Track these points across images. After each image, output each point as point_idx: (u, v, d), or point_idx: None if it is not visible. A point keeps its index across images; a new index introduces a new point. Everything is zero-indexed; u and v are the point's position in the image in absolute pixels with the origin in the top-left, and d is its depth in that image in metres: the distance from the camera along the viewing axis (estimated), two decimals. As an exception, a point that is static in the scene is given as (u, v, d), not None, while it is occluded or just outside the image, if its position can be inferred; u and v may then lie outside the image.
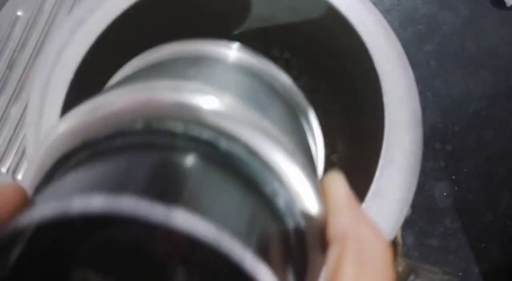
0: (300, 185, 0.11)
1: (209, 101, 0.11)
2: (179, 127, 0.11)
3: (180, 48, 0.17)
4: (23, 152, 0.41)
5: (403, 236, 0.46)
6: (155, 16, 0.28)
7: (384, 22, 0.23)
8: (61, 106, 0.24)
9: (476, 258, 0.45)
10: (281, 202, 0.11)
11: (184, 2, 0.28)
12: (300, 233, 0.11)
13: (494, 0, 0.47)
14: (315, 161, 0.15)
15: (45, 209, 0.08)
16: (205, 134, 0.11)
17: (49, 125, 0.24)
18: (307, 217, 0.11)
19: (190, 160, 0.11)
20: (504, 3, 0.46)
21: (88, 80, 0.27)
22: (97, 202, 0.08)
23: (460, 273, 0.45)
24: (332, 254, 0.10)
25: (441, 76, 0.47)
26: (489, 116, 0.46)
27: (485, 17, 0.47)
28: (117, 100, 0.11)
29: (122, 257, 0.12)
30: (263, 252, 0.09)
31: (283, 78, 0.16)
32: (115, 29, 0.25)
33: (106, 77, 0.17)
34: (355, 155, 0.35)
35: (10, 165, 0.43)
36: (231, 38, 0.39)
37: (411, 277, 0.25)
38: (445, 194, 0.46)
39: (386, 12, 0.48)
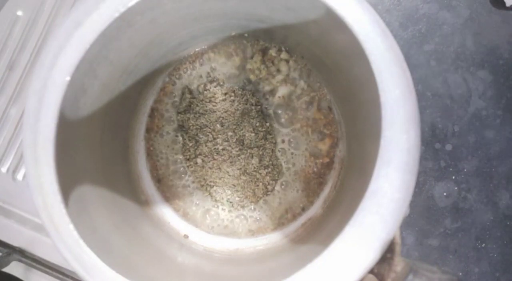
0: None
1: None
2: None
3: None
4: (23, 152, 0.41)
5: (403, 236, 0.46)
6: (151, 18, 0.28)
7: (380, 22, 0.23)
8: (58, 109, 0.24)
9: (476, 258, 0.45)
10: None
11: (181, 3, 0.28)
12: None
13: (494, 0, 0.47)
14: None
15: None
16: None
17: (46, 128, 0.24)
18: None
19: None
20: (504, 3, 0.46)
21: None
22: None
23: (460, 273, 0.45)
24: None
25: (441, 76, 0.47)
26: (489, 116, 0.46)
27: (485, 17, 0.47)
28: None
29: None
30: None
31: None
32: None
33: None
34: (353, 155, 0.35)
35: (10, 165, 0.43)
36: (228, 39, 0.39)
37: (410, 277, 0.25)
38: (445, 194, 0.46)
39: (386, 12, 0.48)
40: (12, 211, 0.43)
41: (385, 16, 0.48)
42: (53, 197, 0.24)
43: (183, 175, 0.40)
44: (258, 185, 0.39)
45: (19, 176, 0.43)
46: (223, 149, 0.39)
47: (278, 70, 0.39)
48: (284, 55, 0.39)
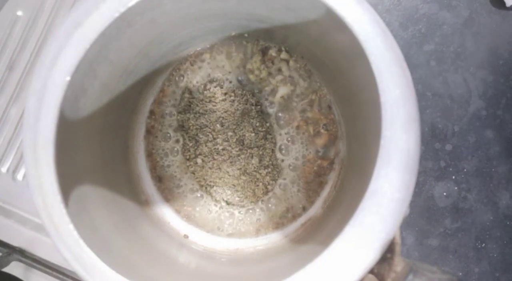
0: None
1: None
2: None
3: None
4: (23, 152, 0.41)
5: (403, 236, 0.46)
6: (151, 18, 0.28)
7: (380, 22, 0.23)
8: (58, 109, 0.24)
9: (476, 258, 0.45)
10: None
11: (181, 2, 0.28)
12: None
13: (494, 0, 0.47)
14: None
15: None
16: None
17: (46, 128, 0.24)
18: None
19: None
20: (504, 3, 0.46)
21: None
22: None
23: (460, 273, 0.45)
24: None
25: (441, 76, 0.47)
26: (489, 116, 0.46)
27: (485, 17, 0.47)
28: None
29: None
30: None
31: None
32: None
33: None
34: (353, 155, 0.35)
35: (10, 165, 0.43)
36: (228, 39, 0.39)
37: (410, 277, 0.25)
38: (445, 194, 0.46)
39: (386, 12, 0.48)
40: (12, 211, 0.43)
41: (385, 16, 0.48)
42: (53, 197, 0.24)
43: (183, 175, 0.40)
44: (258, 185, 0.39)
45: (19, 176, 0.43)
46: (223, 149, 0.39)
47: (278, 70, 0.39)
48: (284, 55, 0.39)
